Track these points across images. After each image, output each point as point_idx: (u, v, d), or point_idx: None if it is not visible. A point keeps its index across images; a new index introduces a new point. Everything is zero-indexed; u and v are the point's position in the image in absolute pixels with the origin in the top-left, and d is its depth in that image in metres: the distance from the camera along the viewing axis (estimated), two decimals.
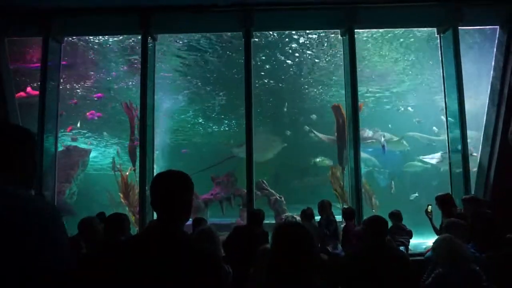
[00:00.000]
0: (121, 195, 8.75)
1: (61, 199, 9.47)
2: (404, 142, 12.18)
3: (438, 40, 6.64)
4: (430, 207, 4.98)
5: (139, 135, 6.41)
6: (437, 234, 4.59)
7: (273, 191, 8.99)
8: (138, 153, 6.69)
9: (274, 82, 13.32)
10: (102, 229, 3.85)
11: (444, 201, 4.73)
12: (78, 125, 12.30)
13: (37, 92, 7.53)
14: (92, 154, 12.31)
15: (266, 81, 13.14)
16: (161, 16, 6.23)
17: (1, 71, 6.41)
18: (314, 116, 13.25)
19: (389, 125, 12.91)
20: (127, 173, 8.80)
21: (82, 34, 8.59)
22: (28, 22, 6.29)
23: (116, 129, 13.46)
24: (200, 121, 15.71)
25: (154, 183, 1.62)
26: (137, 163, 6.96)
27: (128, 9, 6.04)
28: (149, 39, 6.42)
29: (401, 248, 4.78)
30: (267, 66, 12.32)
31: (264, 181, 9.12)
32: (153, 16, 6.20)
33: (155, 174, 6.66)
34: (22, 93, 9.42)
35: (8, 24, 6.34)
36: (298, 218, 7.99)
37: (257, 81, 12.25)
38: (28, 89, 9.83)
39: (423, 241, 6.46)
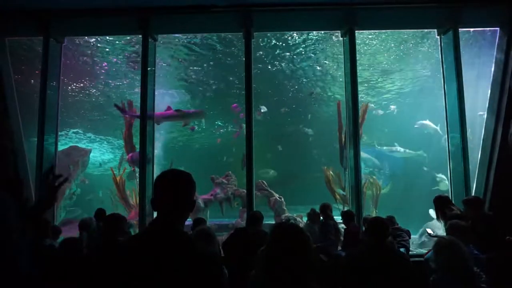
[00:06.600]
0: (118, 197, 8.77)
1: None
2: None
3: (439, 42, 6.65)
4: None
5: (139, 135, 6.39)
6: None
7: (272, 192, 8.96)
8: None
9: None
10: (100, 228, 3.84)
11: (438, 203, 4.59)
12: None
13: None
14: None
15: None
16: (161, 16, 6.22)
17: (1, 71, 6.40)
18: None
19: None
20: (122, 174, 8.83)
21: (82, 34, 8.63)
22: (28, 22, 6.29)
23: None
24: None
25: (158, 181, 1.61)
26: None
27: (128, 9, 6.02)
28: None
29: (402, 249, 4.76)
30: None
31: (264, 182, 9.09)
32: (153, 17, 6.20)
33: (155, 174, 6.65)
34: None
35: (8, 24, 6.34)
36: (298, 219, 8.00)
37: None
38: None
39: None
